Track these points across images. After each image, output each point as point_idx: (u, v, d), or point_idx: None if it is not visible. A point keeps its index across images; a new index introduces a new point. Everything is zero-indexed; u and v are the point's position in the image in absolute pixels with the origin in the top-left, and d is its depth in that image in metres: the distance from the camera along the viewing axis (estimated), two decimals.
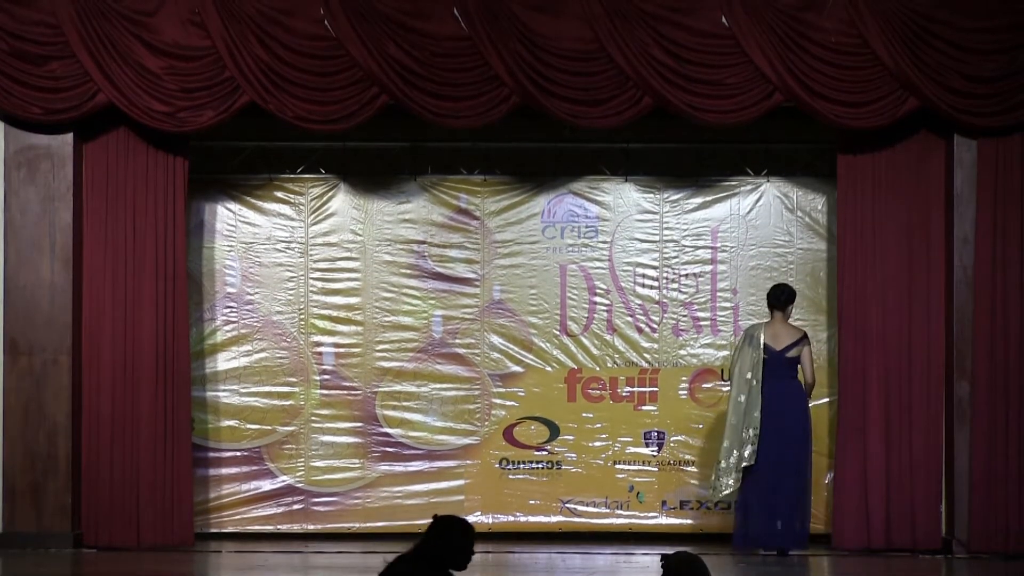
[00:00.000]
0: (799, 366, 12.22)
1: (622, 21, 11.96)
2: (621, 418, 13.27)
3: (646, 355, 13.29)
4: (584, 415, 13.28)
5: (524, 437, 13.28)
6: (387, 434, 13.27)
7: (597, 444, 13.27)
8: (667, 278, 13.33)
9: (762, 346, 12.19)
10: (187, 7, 12.10)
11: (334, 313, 13.31)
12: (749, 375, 12.21)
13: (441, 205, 13.37)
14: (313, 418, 13.26)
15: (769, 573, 11.78)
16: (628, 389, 13.29)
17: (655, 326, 13.31)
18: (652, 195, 13.38)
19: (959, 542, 12.14)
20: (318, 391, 13.29)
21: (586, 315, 13.32)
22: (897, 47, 11.93)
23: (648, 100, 12.08)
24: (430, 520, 6.43)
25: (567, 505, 13.17)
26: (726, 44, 12.05)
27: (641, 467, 13.23)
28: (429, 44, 12.05)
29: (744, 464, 12.08)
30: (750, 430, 12.09)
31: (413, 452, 13.25)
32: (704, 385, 13.28)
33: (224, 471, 13.17)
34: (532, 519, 13.14)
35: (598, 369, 13.31)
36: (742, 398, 12.25)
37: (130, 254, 12.38)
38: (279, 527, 13.17)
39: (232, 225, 13.35)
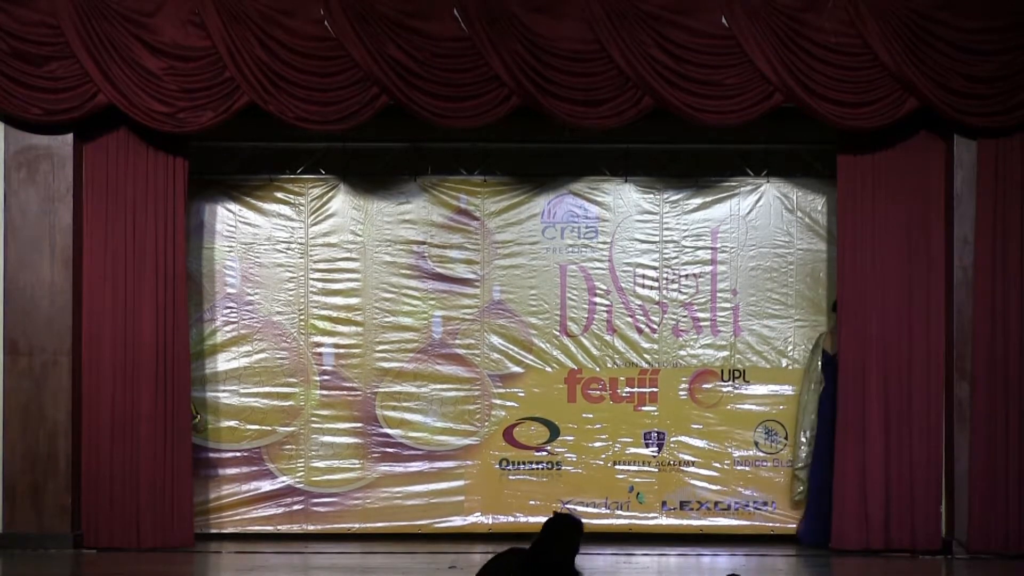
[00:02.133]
0: None
1: (622, 22, 11.96)
2: (621, 418, 13.27)
3: (646, 356, 13.29)
4: (584, 416, 13.28)
5: (524, 438, 13.28)
6: (387, 435, 13.27)
7: (597, 444, 13.27)
8: (667, 279, 13.32)
9: (821, 351, 12.81)
10: (187, 7, 12.10)
11: (334, 314, 13.31)
12: (811, 378, 12.84)
13: (441, 206, 13.37)
14: (313, 419, 13.26)
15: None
16: (628, 390, 13.28)
17: (655, 327, 13.31)
18: (652, 196, 13.38)
19: (959, 543, 12.13)
20: (318, 392, 13.28)
21: (586, 316, 13.32)
22: (897, 47, 11.93)
23: (648, 100, 12.09)
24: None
25: (567, 506, 13.15)
26: (726, 45, 12.05)
27: (641, 467, 13.23)
28: (429, 45, 12.05)
29: (800, 465, 12.81)
30: (807, 431, 12.76)
31: (413, 453, 13.25)
32: (704, 386, 13.28)
33: (224, 472, 13.17)
34: (532, 519, 13.11)
35: (598, 370, 13.30)
36: (804, 399, 12.89)
37: (130, 255, 12.39)
38: (279, 528, 13.16)
39: (232, 226, 13.35)
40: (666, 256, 13.33)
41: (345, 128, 12.29)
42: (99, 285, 12.37)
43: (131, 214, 12.41)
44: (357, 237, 13.35)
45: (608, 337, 13.30)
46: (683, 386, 13.26)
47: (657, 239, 13.35)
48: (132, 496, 12.32)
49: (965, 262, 12.23)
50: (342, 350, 13.30)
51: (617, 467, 13.25)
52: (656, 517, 13.21)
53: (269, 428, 13.24)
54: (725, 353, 13.25)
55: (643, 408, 13.28)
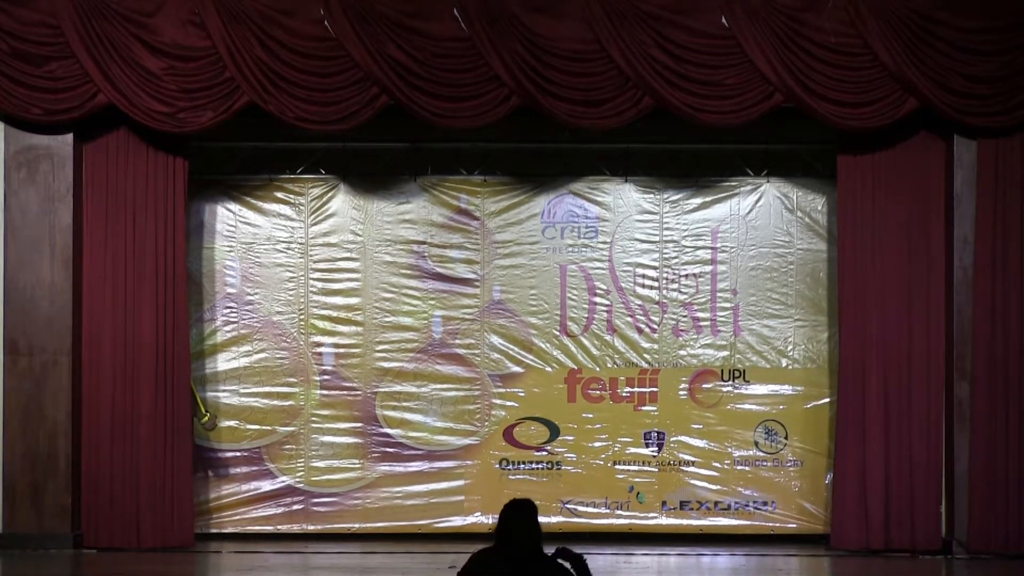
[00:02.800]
0: None
1: (622, 22, 11.96)
2: (621, 418, 13.27)
3: (646, 355, 13.29)
4: (584, 415, 13.28)
5: (524, 437, 13.28)
6: (387, 434, 13.27)
7: (597, 444, 13.27)
8: (667, 278, 13.33)
9: None
10: (187, 7, 12.10)
11: (334, 313, 13.31)
12: None
13: (441, 205, 13.37)
14: (313, 418, 13.26)
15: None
16: (628, 389, 13.28)
17: (655, 326, 13.31)
18: (652, 195, 13.38)
19: (959, 543, 12.13)
20: (318, 391, 13.28)
21: (586, 315, 13.32)
22: (897, 48, 11.94)
23: (648, 100, 12.09)
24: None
25: (567, 505, 13.16)
26: (726, 45, 12.06)
27: (641, 467, 13.23)
28: (429, 45, 12.05)
29: None
30: None
31: (413, 452, 13.26)
32: (704, 385, 13.28)
33: (224, 471, 13.17)
34: None
35: (598, 369, 13.30)
36: None
37: (130, 255, 12.39)
38: (279, 527, 13.17)
39: (232, 226, 13.35)
40: (666, 256, 13.33)
41: (345, 128, 12.29)
42: (99, 285, 12.38)
43: (131, 214, 12.41)
44: (357, 237, 13.35)
45: (608, 337, 13.30)
46: (683, 386, 13.26)
47: (657, 239, 13.35)
48: (132, 496, 12.32)
49: (965, 262, 12.23)
50: (342, 350, 13.30)
51: (617, 467, 13.25)
52: (656, 517, 13.21)
53: (269, 428, 13.25)
54: (725, 353, 13.25)
55: (643, 408, 13.28)
